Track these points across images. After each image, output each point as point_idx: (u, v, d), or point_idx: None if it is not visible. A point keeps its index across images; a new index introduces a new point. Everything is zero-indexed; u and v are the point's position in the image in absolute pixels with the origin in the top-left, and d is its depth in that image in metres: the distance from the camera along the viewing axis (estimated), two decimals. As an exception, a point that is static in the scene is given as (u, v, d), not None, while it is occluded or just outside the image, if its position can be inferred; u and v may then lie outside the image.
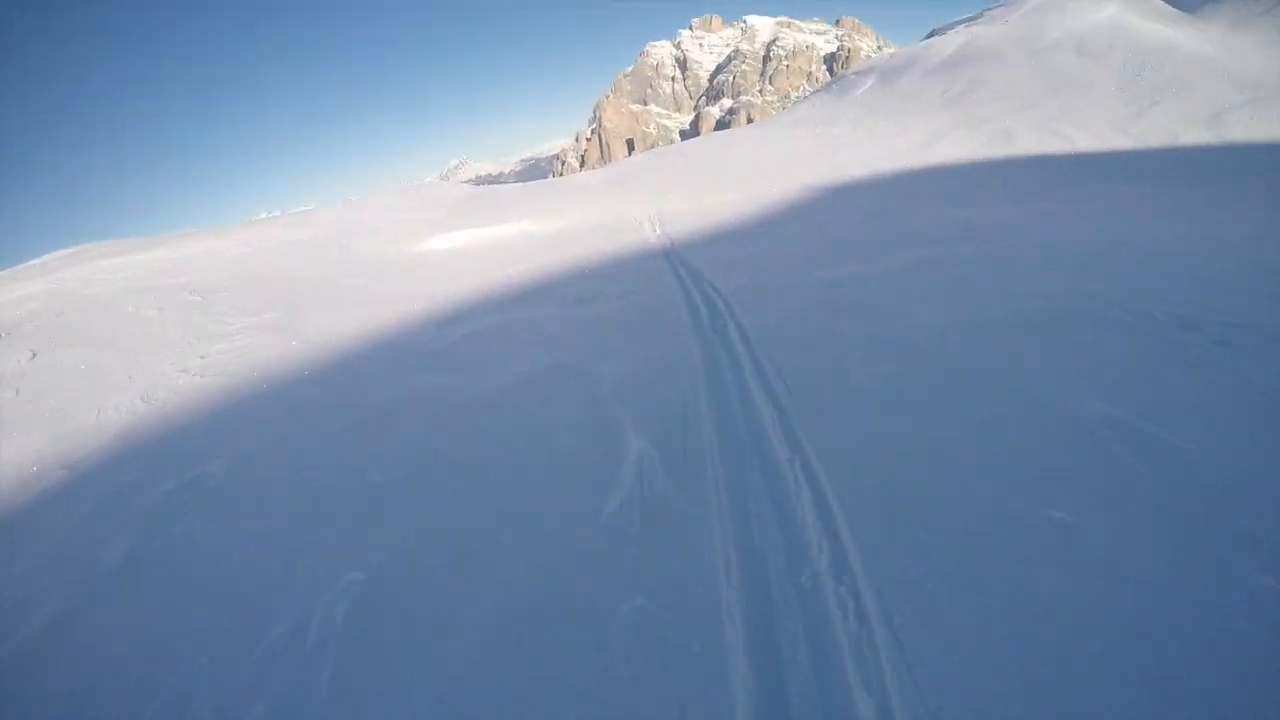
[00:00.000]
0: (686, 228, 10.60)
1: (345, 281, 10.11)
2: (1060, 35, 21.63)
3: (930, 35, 36.33)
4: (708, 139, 28.94)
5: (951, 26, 36.16)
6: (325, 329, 7.31)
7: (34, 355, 7.05)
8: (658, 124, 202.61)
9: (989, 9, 33.56)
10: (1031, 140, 14.27)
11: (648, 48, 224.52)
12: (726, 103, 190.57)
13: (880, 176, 12.77)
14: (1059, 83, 18.79)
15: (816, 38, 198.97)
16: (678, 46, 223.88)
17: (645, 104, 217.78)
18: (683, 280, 7.41)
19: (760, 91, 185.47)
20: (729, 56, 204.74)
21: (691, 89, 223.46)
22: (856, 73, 33.15)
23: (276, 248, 12.92)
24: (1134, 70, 17.46)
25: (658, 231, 10.88)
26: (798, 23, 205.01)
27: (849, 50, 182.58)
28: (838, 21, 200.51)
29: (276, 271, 10.62)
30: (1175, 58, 17.13)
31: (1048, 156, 13.04)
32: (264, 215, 18.26)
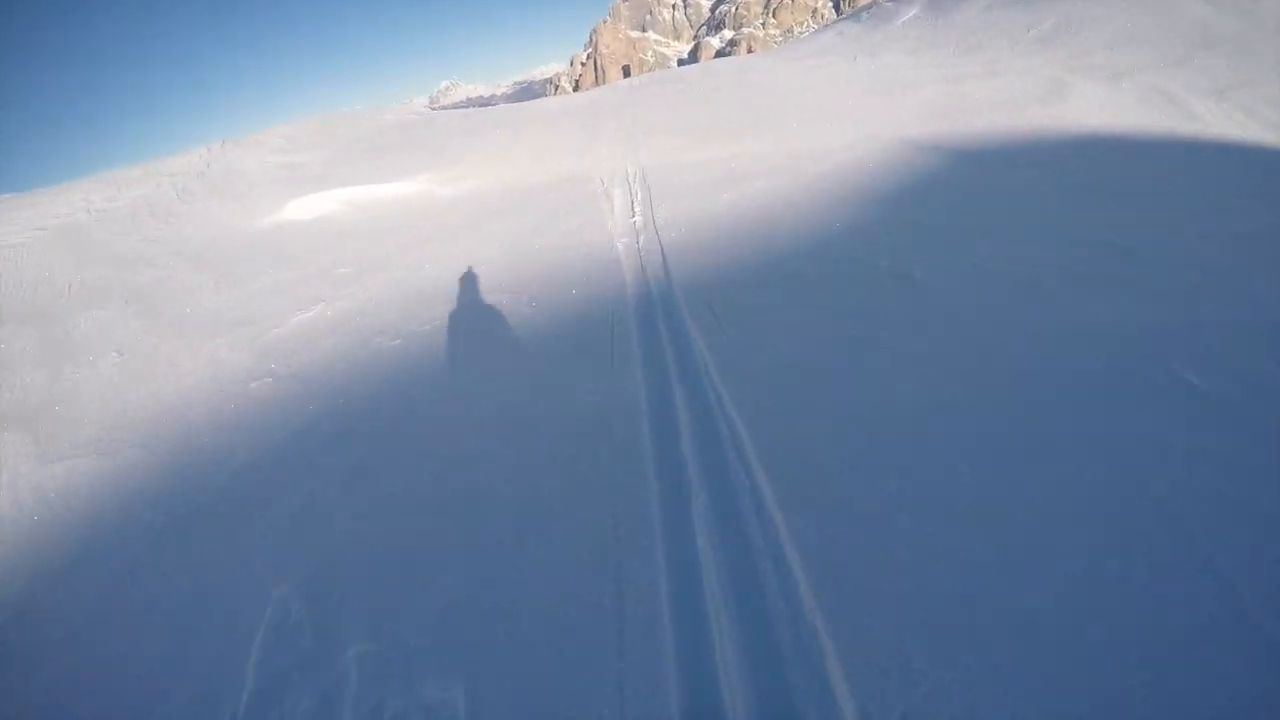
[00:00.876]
0: (693, 215, 5.19)
1: (83, 316, 5.13)
2: (1185, -36, 15.71)
3: (980, -41, 29.64)
4: (715, 64, 22.71)
5: (1008, -50, 29.42)
6: None
7: None
8: (655, 51, 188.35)
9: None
10: (1217, 117, 8.80)
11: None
12: (727, 34, 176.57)
13: (1016, 139, 7.34)
14: (1200, 36, 13.05)
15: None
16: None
17: (644, 30, 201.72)
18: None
19: (763, 24, 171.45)
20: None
21: (692, 18, 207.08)
22: (895, 0, 26.74)
23: (73, 228, 8.03)
24: (1309, 37, 11.85)
25: (635, 218, 5.47)
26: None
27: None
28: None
29: (29, 282, 5.70)
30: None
31: (1265, 150, 7.60)
32: (220, 142, 12.75)
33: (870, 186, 5.21)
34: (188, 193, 9.60)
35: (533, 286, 4.09)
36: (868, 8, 30.46)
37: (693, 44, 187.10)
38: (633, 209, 5.72)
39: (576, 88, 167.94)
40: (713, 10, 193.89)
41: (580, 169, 7.74)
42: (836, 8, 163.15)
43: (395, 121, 14.65)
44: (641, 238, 4.85)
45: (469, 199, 7.13)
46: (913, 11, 24.97)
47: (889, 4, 28.51)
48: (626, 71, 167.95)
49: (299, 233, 7.26)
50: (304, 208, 8.37)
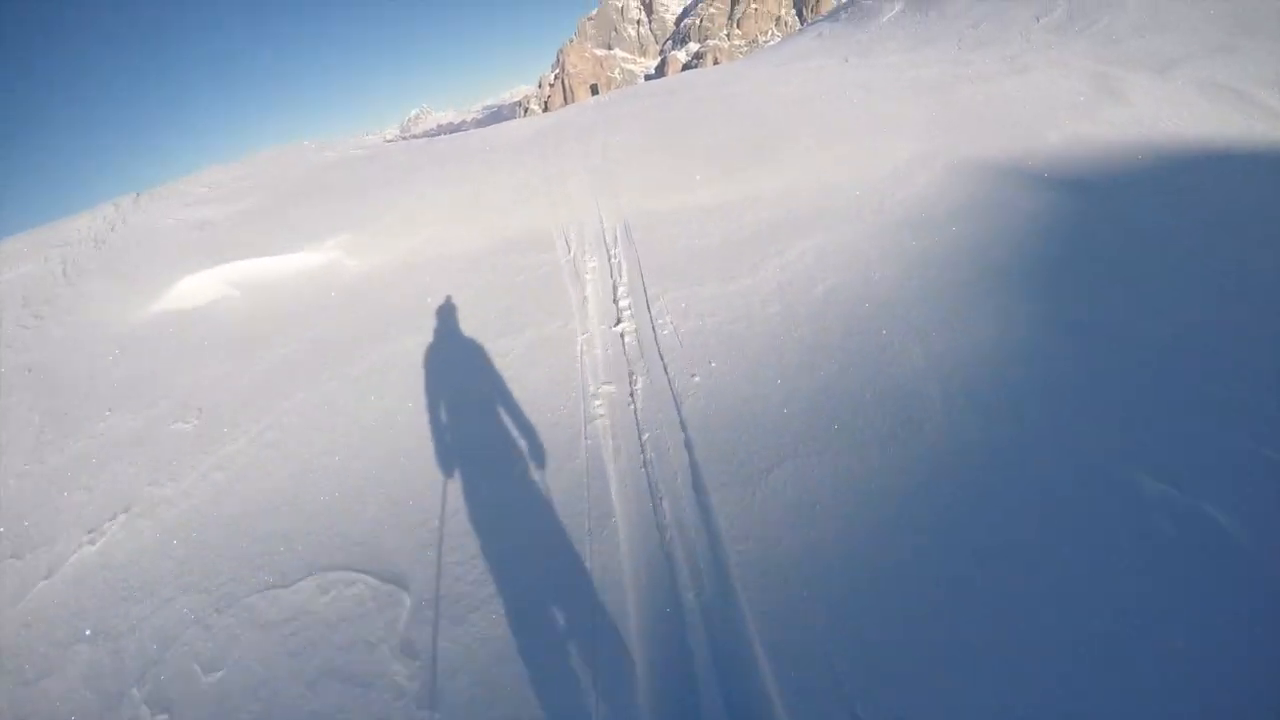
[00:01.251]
0: (724, 320, 2.94)
1: None
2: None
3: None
4: (689, 75, 20.80)
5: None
6: None
7: None
8: (622, 68, 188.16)
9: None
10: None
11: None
12: (693, 46, 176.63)
13: (1118, 158, 5.41)
14: (1232, 20, 11.31)
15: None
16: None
17: (610, 48, 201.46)
18: None
19: (728, 35, 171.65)
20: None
21: (657, 32, 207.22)
22: (873, -4, 25.10)
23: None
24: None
25: (623, 324, 3.32)
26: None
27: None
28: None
29: None
30: None
31: None
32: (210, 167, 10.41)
33: (988, 255, 3.15)
34: (77, 269, 7.58)
35: (427, 558, 1.99)
36: (844, 7, 28.64)
37: (659, 59, 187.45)
38: (617, 303, 3.60)
39: (546, 109, 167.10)
40: (677, 24, 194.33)
41: (539, 223, 5.65)
42: (800, 15, 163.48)
43: (336, 159, 12.44)
44: (640, 384, 2.72)
45: (382, 277, 5.04)
46: (897, 7, 23.20)
47: (868, 1, 26.71)
48: (595, 90, 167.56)
49: (174, 332, 5.17)
50: (193, 290, 6.32)
